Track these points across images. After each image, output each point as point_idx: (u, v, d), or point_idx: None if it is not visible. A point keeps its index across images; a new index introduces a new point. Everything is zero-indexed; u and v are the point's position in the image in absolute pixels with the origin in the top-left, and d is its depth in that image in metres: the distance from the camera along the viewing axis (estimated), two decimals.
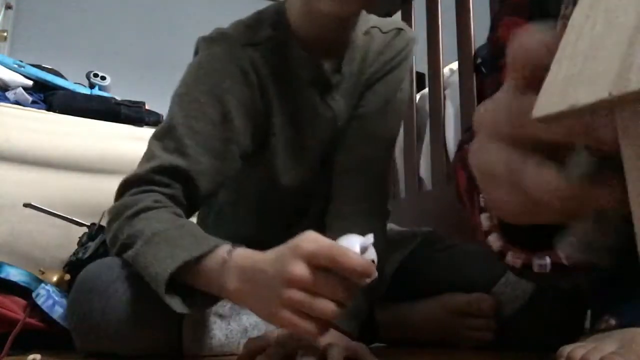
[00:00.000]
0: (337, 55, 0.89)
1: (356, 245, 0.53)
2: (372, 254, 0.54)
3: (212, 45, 0.84)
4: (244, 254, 0.62)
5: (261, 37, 0.85)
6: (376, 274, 0.53)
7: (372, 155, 0.89)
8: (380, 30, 0.93)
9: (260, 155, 0.88)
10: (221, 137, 0.81)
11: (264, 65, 0.85)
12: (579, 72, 0.29)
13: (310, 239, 0.55)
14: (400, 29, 0.95)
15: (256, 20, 0.88)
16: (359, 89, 0.92)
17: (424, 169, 1.60)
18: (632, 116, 0.26)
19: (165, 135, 0.80)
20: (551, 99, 0.30)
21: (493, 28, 0.77)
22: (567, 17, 0.69)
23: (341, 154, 0.91)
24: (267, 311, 0.57)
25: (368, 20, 0.93)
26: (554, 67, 0.29)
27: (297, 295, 0.53)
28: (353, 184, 0.87)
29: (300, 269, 0.53)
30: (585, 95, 0.28)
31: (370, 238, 0.54)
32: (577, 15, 0.33)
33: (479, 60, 1.37)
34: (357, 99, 0.92)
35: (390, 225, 1.05)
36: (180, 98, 0.82)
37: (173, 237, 0.67)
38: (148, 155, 0.80)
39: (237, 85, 0.83)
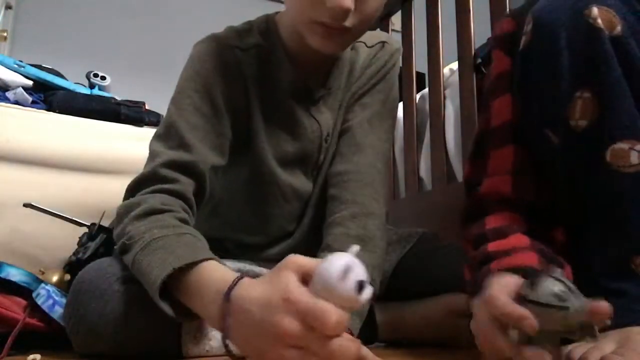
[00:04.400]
0: (324, 69, 0.92)
1: (336, 273, 0.47)
2: (357, 276, 0.48)
3: (201, 44, 0.88)
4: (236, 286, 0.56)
5: (250, 43, 0.89)
6: (363, 301, 0.48)
7: (365, 164, 0.90)
8: (366, 45, 0.96)
9: (247, 154, 0.89)
10: (216, 131, 0.84)
11: (249, 68, 0.88)
12: None
13: (292, 288, 0.49)
14: (384, 42, 0.97)
15: (247, 28, 0.91)
16: (346, 102, 0.94)
17: (424, 169, 1.60)
18: None
19: (166, 133, 0.82)
20: None
21: (488, 57, 0.80)
22: None
23: (334, 166, 0.92)
24: (256, 353, 0.53)
25: None
26: None
27: (291, 352, 0.49)
28: (345, 191, 0.88)
29: (290, 326, 0.48)
30: None
31: (353, 252, 0.49)
32: None
33: (479, 60, 1.38)
34: (345, 112, 0.94)
35: (386, 226, 1.05)
36: (176, 97, 0.85)
37: (170, 245, 0.66)
38: (153, 155, 0.81)
39: (223, 80, 0.85)
